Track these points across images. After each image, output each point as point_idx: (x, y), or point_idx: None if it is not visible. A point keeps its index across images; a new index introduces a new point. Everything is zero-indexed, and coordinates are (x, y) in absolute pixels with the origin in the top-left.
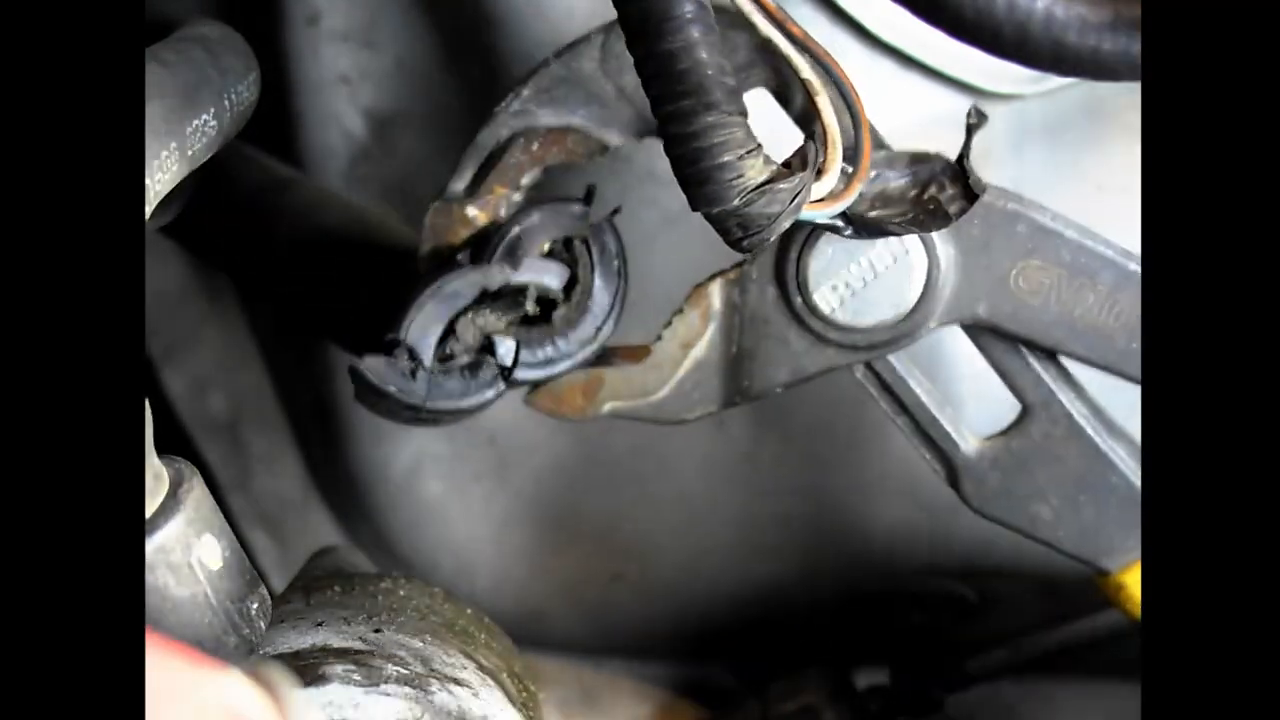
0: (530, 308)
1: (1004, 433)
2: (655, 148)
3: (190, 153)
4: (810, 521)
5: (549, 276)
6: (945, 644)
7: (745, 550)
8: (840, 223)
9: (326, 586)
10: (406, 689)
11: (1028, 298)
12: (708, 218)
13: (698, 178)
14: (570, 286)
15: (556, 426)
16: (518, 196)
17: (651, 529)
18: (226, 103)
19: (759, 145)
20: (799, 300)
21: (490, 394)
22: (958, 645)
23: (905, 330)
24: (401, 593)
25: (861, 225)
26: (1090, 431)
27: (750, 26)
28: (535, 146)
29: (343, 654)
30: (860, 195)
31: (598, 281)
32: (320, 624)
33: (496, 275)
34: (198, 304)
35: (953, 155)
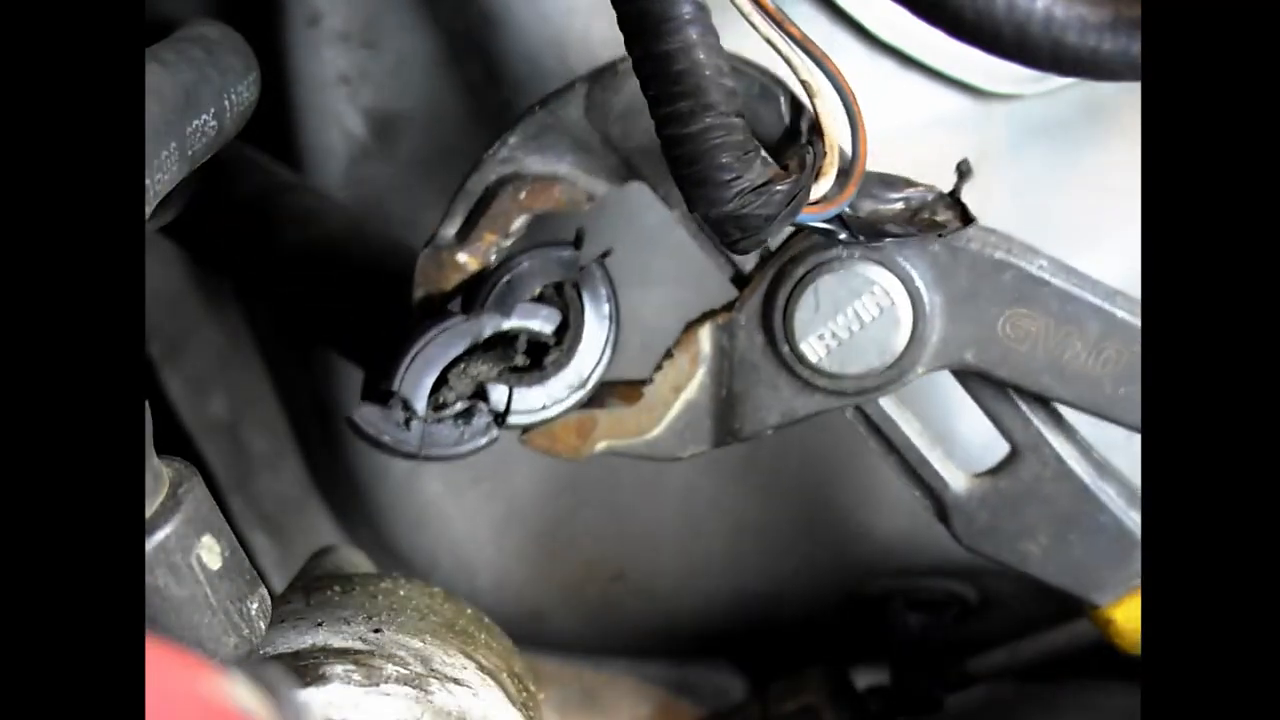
0: (520, 359)
1: (993, 472)
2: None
3: (190, 153)
4: (810, 521)
5: (540, 321)
6: (945, 644)
7: (745, 550)
8: (835, 226)
9: (326, 586)
10: (406, 689)
11: (1015, 345)
12: (705, 219)
13: (695, 179)
14: (562, 330)
15: None
16: (507, 243)
17: (652, 529)
18: (227, 103)
19: (757, 147)
20: (786, 349)
21: (483, 440)
22: (958, 645)
23: (893, 376)
24: (401, 593)
25: (858, 229)
26: (1080, 473)
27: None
28: (523, 195)
29: (343, 654)
30: (855, 211)
31: (589, 324)
32: (320, 624)
33: (488, 324)
34: (198, 304)
35: (949, 154)
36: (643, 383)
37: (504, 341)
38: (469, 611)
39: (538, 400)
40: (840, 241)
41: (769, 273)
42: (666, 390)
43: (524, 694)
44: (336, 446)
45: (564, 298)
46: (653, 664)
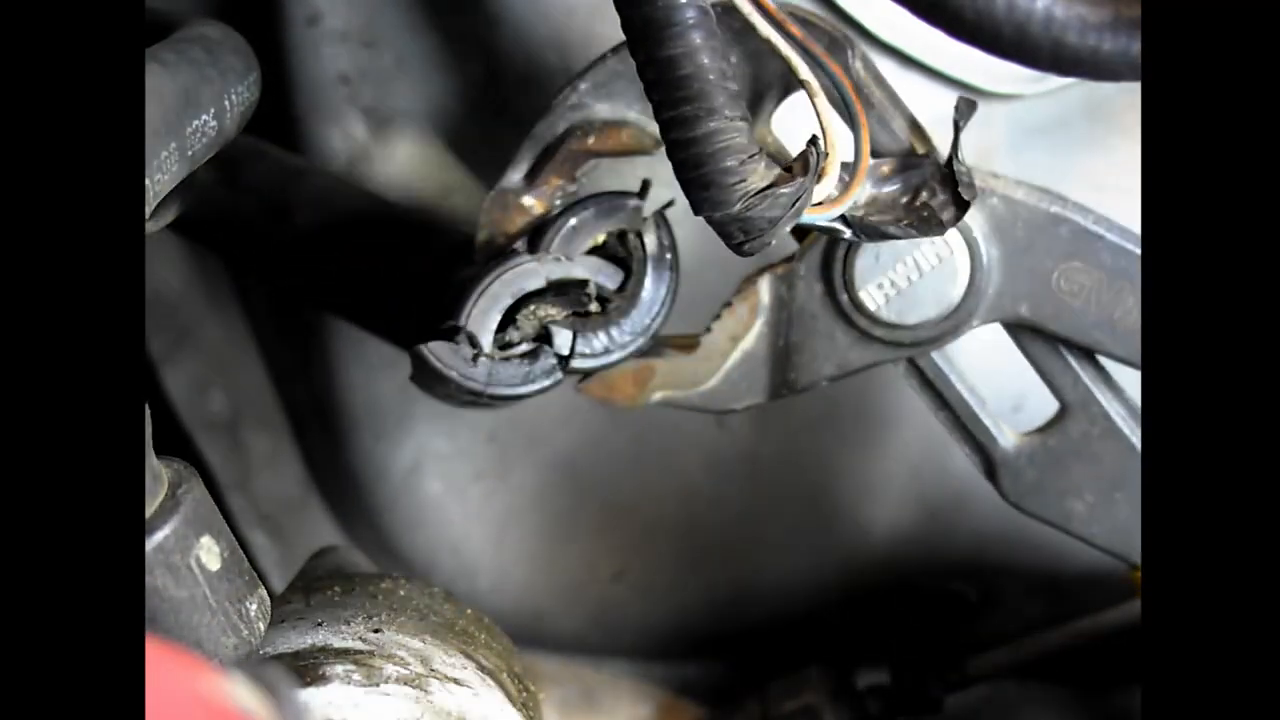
0: (592, 305)
1: (1042, 429)
2: None
3: (190, 153)
4: (811, 521)
5: (604, 277)
6: (945, 644)
7: (746, 549)
8: (840, 226)
9: (326, 586)
10: (406, 689)
11: (1069, 299)
12: (710, 222)
13: (700, 182)
14: (624, 280)
15: (556, 424)
16: (573, 187)
17: (652, 528)
18: (227, 103)
19: (760, 150)
20: (845, 298)
21: (548, 382)
22: (958, 645)
23: (948, 328)
24: (401, 593)
25: (861, 229)
26: (1127, 432)
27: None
28: (591, 139)
29: (343, 654)
30: (854, 202)
31: (649, 275)
32: (320, 624)
33: (555, 267)
34: (197, 304)
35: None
36: (700, 334)
37: (572, 287)
38: (469, 611)
39: (600, 345)
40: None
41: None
42: (724, 340)
43: (524, 694)
44: (336, 446)
45: (627, 246)
46: (653, 664)
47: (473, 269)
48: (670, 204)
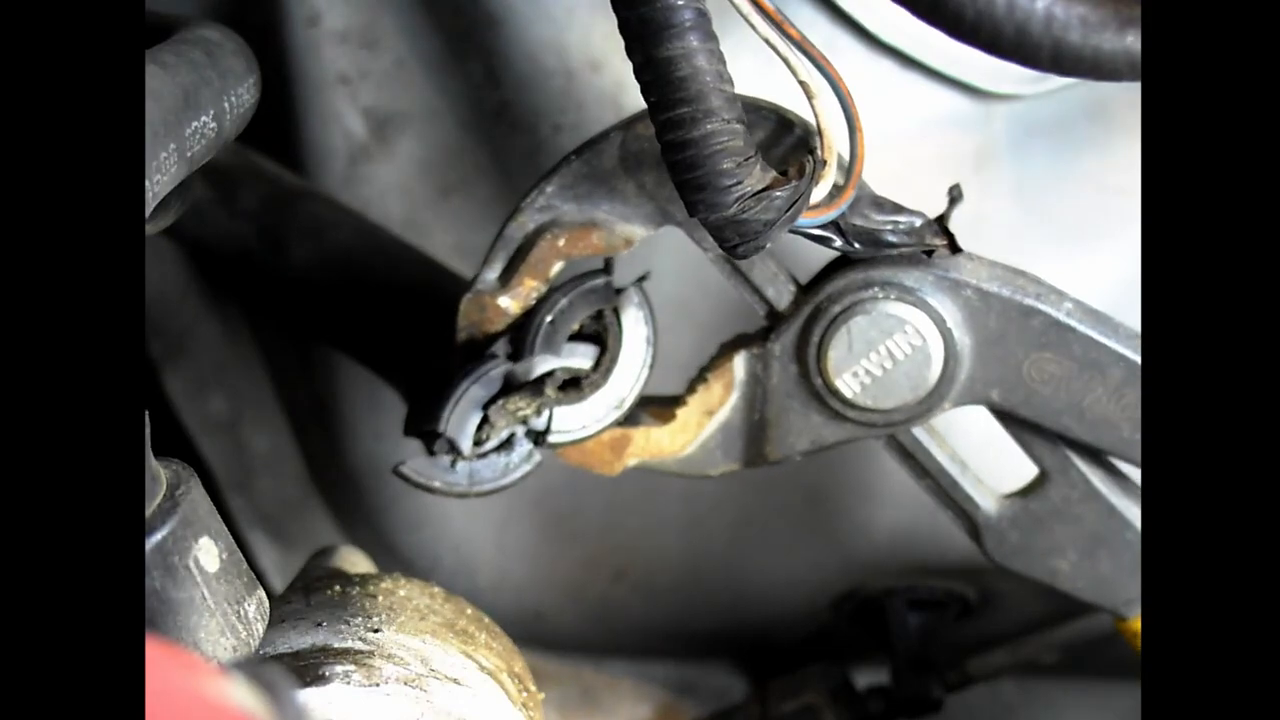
0: (551, 393)
1: (1022, 493)
2: None
3: (190, 154)
4: (811, 521)
5: (579, 359)
6: (945, 644)
7: (746, 549)
8: (832, 234)
9: (326, 586)
10: (406, 689)
11: (1039, 387)
12: (705, 224)
13: (695, 184)
14: (600, 355)
15: None
16: (545, 288)
17: (652, 528)
18: (226, 104)
19: (756, 152)
20: (820, 382)
21: (528, 467)
22: (958, 645)
23: (921, 410)
24: (401, 593)
25: (854, 236)
26: (1106, 493)
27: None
28: (562, 241)
29: (343, 654)
30: (847, 206)
31: (627, 347)
32: (320, 624)
33: (538, 365)
34: (198, 304)
35: (950, 155)
36: (676, 401)
37: (539, 381)
38: (469, 611)
39: (577, 421)
40: (879, 287)
41: (805, 310)
42: (699, 412)
43: (524, 694)
44: (336, 446)
45: (603, 322)
46: (653, 664)
47: (448, 361)
48: (645, 277)
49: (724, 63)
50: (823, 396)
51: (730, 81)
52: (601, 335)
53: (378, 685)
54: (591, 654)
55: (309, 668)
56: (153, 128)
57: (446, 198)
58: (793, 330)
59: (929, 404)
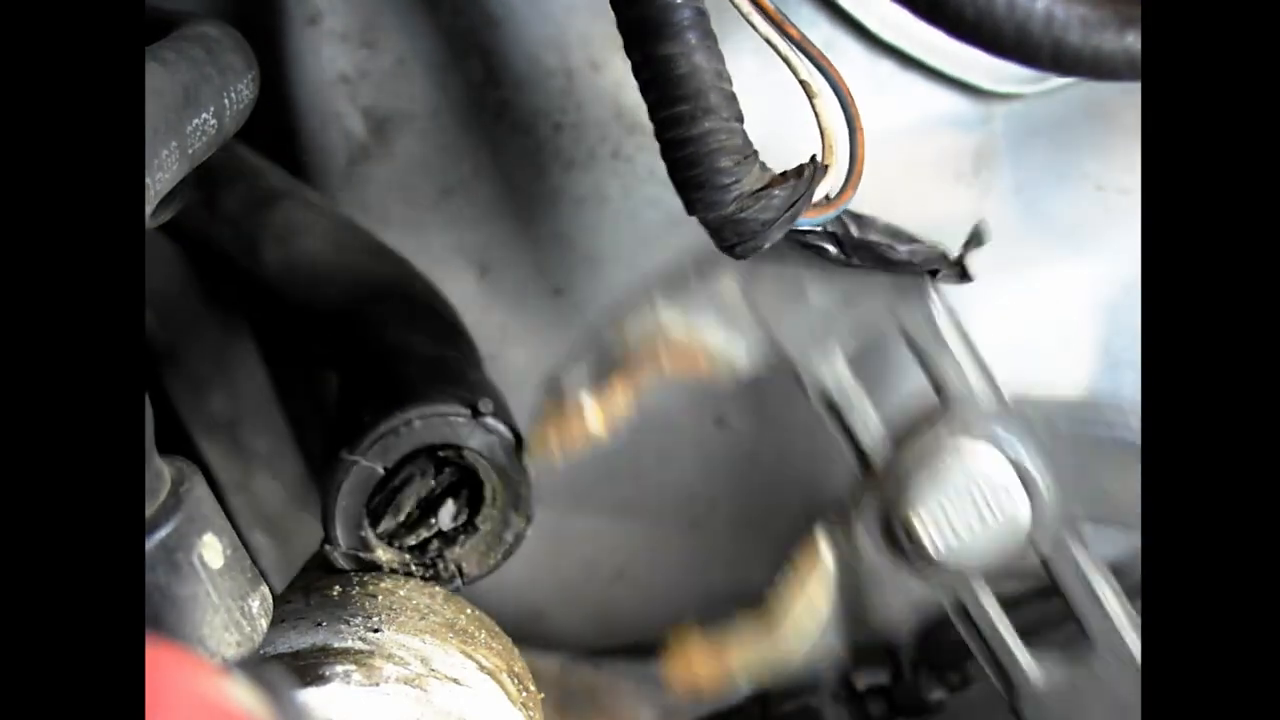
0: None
1: (1066, 660)
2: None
3: (190, 151)
4: (811, 521)
5: (446, 517)
6: (945, 645)
7: (747, 549)
8: (829, 245)
9: (326, 586)
10: (406, 689)
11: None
12: (703, 223)
13: (694, 182)
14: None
15: None
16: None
17: (652, 529)
18: (226, 101)
19: (755, 152)
20: (909, 546)
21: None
22: (958, 645)
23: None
24: (401, 593)
25: (853, 247)
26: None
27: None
28: (665, 358)
29: (343, 654)
30: (845, 208)
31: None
32: (320, 624)
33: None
34: (198, 304)
35: (950, 154)
36: (768, 598)
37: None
38: (469, 611)
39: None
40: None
41: (884, 484)
42: (795, 608)
43: (524, 694)
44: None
45: (465, 467)
46: (653, 664)
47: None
48: (489, 410)
49: (723, 61)
50: (913, 562)
51: (729, 80)
52: (471, 479)
53: (377, 685)
54: (592, 654)
55: (309, 667)
56: (154, 125)
57: (446, 198)
58: (873, 509)
59: (1022, 549)
